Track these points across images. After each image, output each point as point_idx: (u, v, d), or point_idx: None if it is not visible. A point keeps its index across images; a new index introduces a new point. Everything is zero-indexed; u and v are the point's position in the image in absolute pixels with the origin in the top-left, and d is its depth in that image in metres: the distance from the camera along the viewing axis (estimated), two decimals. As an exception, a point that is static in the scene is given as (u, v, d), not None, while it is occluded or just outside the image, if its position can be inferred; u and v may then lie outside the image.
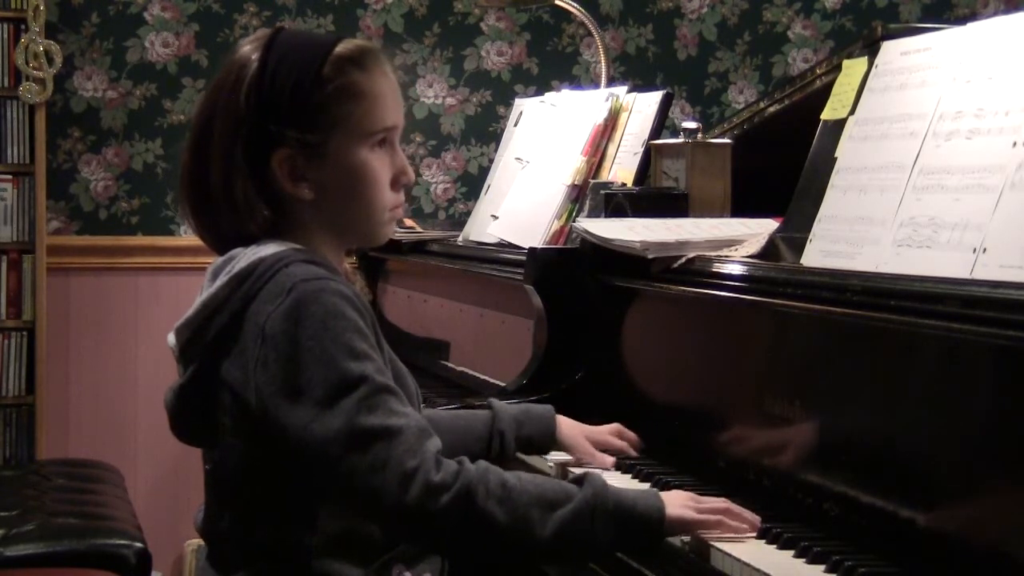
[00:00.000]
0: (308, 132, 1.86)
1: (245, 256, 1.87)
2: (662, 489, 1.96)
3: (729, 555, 1.76)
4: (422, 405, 2.06)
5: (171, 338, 1.92)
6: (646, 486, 2.08)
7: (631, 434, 2.33)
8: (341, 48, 1.90)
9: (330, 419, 1.76)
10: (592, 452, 2.26)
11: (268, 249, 1.86)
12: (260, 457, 1.84)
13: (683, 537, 1.85)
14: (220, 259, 1.91)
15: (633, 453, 2.30)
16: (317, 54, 1.89)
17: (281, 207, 1.90)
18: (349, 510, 1.84)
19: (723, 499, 1.88)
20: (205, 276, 1.92)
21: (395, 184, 1.93)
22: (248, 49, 1.91)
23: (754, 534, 1.83)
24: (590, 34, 4.35)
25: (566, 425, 2.28)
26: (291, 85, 1.87)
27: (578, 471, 2.09)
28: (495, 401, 2.28)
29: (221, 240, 1.93)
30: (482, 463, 1.81)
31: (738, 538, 1.82)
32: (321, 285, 1.81)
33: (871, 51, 2.32)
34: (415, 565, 1.90)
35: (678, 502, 1.84)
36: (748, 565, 1.71)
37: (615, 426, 2.34)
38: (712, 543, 1.80)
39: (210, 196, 1.89)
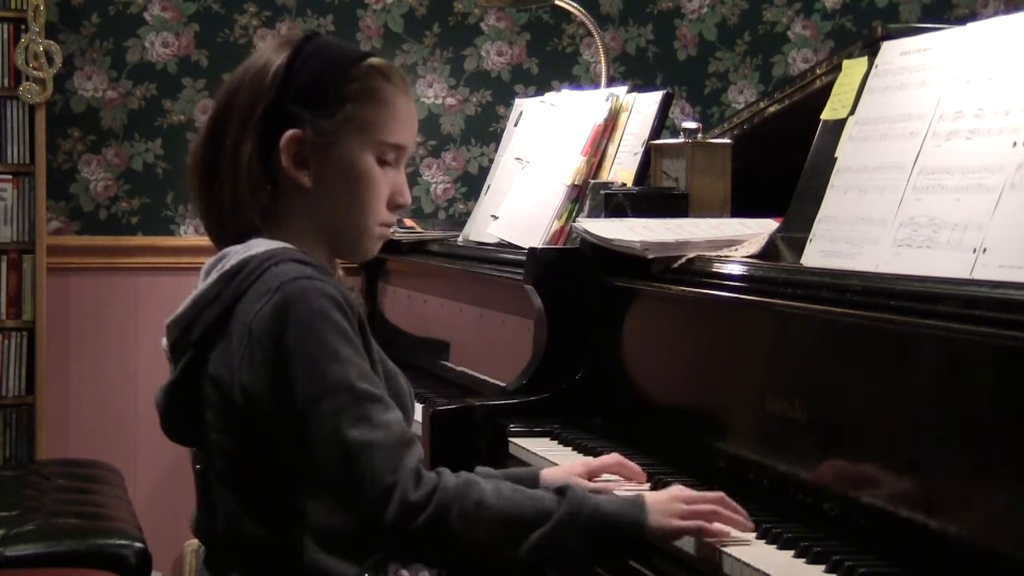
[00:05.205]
0: (322, 118, 1.90)
1: (236, 253, 1.88)
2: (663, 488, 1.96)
3: (729, 555, 1.76)
4: (418, 405, 2.05)
5: (164, 340, 1.93)
6: (646, 487, 2.08)
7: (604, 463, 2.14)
8: (374, 60, 1.96)
9: (311, 426, 1.77)
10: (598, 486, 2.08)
11: (259, 247, 1.88)
12: (247, 454, 1.85)
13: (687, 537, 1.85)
14: (213, 258, 1.93)
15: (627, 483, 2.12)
16: (350, 56, 1.96)
17: (279, 193, 1.92)
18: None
19: (718, 493, 1.87)
20: (199, 274, 1.93)
21: (390, 203, 1.96)
22: (279, 42, 1.96)
23: (752, 533, 1.83)
24: (590, 34, 4.34)
25: (549, 476, 2.08)
26: (318, 73, 1.91)
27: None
28: (481, 468, 2.07)
29: (220, 224, 1.94)
30: (464, 475, 1.82)
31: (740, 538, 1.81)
32: (308, 285, 1.81)
33: (871, 51, 2.32)
34: (411, 563, 1.90)
35: (663, 509, 1.83)
36: (748, 565, 1.71)
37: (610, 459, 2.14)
38: (718, 547, 1.80)
39: (219, 168, 1.91)
